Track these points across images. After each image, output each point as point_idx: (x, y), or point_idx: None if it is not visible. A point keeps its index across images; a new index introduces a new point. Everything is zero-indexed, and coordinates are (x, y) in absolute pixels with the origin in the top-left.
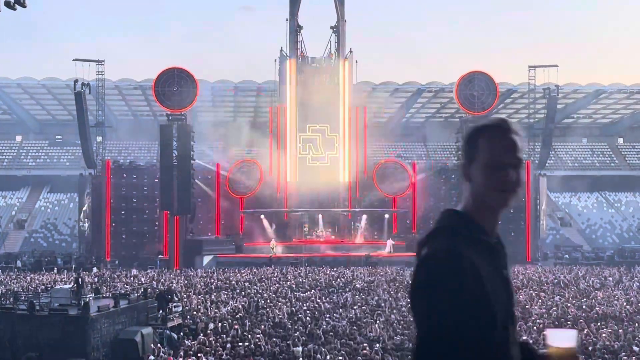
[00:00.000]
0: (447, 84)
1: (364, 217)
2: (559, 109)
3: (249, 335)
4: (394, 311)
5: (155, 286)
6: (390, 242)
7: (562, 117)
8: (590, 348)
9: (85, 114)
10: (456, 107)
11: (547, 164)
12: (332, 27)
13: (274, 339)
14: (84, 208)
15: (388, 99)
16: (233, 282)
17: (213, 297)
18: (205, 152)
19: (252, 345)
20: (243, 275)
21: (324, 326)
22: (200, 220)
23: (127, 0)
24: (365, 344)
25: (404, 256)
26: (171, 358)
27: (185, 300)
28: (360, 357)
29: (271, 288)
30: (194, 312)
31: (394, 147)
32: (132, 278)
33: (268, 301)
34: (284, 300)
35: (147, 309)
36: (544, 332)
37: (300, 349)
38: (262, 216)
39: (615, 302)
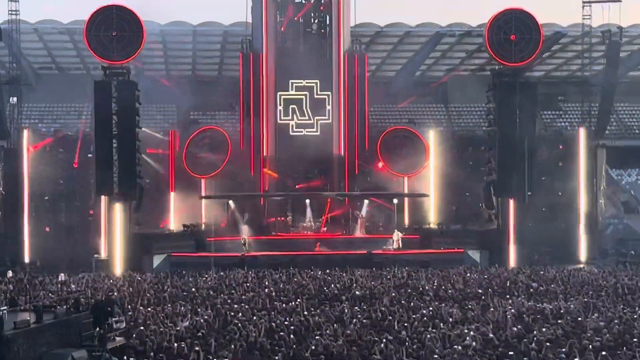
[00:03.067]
0: (475, 26)
1: (366, 203)
2: (623, 59)
3: None
4: (405, 326)
5: (90, 296)
6: (398, 236)
7: (626, 69)
8: None
9: None
10: (487, 57)
11: (606, 132)
12: None
13: None
14: None
15: (397, 47)
16: (193, 289)
17: (167, 309)
18: (155, 118)
19: None
20: (206, 280)
21: (313, 347)
22: (149, 208)
23: None
24: None
25: (417, 253)
26: None
27: (130, 313)
28: None
29: (244, 297)
30: (142, 330)
31: (405, 111)
32: (59, 285)
33: (239, 314)
34: (260, 314)
35: (80, 326)
36: (602, 354)
37: None
38: (231, 202)
39: None
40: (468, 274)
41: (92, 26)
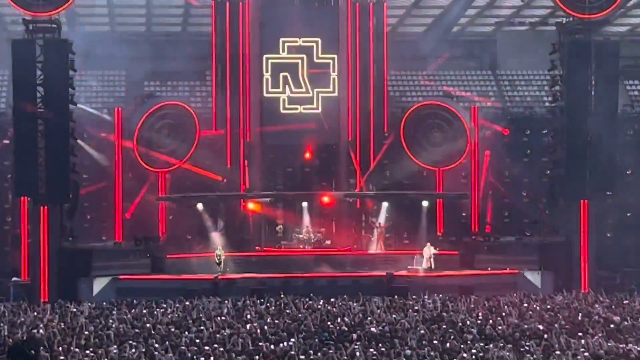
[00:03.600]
0: None
1: (385, 205)
2: None
3: None
4: None
5: (6, 334)
6: (430, 252)
7: None
8: None
9: None
10: (550, 6)
11: None
12: None
13: None
14: None
15: None
16: (148, 325)
17: (112, 352)
18: (95, 90)
19: None
20: (166, 312)
21: None
22: (87, 213)
23: None
24: None
25: (455, 276)
26: None
27: (62, 358)
28: None
29: (217, 336)
30: None
31: (438, 80)
32: None
33: None
34: (240, 359)
35: None
36: None
37: None
38: (200, 205)
39: None
40: (525, 304)
41: None
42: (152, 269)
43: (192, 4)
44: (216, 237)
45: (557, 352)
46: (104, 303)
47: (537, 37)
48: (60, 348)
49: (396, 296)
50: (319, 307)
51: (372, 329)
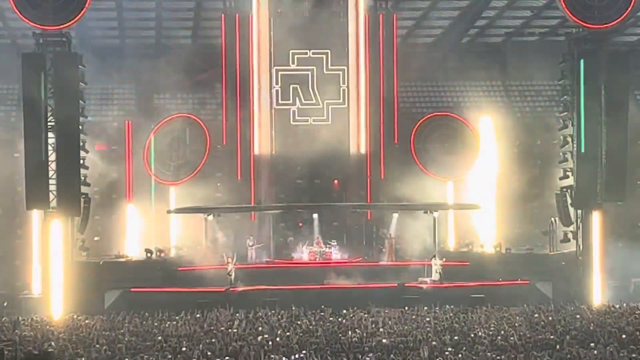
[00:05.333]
0: None
1: (395, 217)
2: None
3: None
4: None
5: (18, 348)
6: (436, 264)
7: None
8: None
9: None
10: (559, 16)
11: None
12: None
13: None
14: None
15: (436, 3)
16: (159, 337)
17: None
18: (106, 104)
19: None
20: (177, 325)
21: None
22: (98, 227)
23: None
24: None
25: (466, 287)
26: None
27: None
28: None
29: (229, 348)
30: None
31: (448, 91)
32: None
33: None
34: None
35: None
36: None
37: None
38: (210, 217)
39: None
40: (536, 315)
41: None
42: (164, 281)
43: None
44: (226, 249)
45: None
46: (116, 316)
47: (547, 47)
48: None
49: (407, 307)
50: (330, 318)
51: (384, 341)
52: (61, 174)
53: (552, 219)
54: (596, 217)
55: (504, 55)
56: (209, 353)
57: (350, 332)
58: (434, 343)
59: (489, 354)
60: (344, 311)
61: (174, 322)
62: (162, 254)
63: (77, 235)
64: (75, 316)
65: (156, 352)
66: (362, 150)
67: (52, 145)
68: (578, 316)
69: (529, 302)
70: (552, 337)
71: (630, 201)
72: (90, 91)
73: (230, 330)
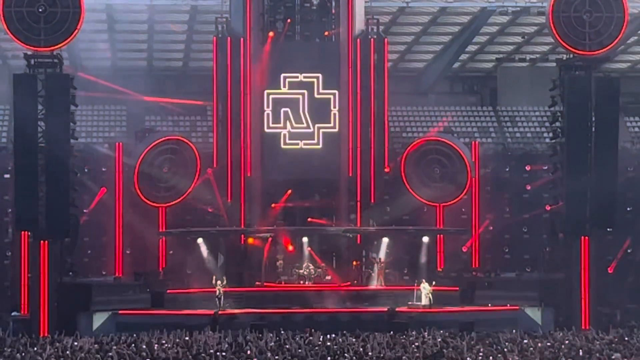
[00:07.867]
0: (535, 0)
1: (385, 241)
2: None
3: None
4: None
5: None
6: (425, 289)
7: None
8: None
9: None
10: (550, 43)
11: None
12: None
13: None
14: None
15: (428, 28)
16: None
17: None
18: (96, 125)
19: None
20: (166, 348)
21: None
22: (87, 248)
23: None
24: None
25: (456, 312)
26: None
27: None
28: None
29: None
30: None
31: (437, 115)
32: None
33: None
34: None
35: None
36: None
37: None
38: (200, 240)
39: None
40: (525, 341)
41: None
42: (152, 303)
43: (195, 37)
44: (215, 272)
45: None
46: (104, 338)
47: (537, 74)
48: None
49: (395, 332)
50: (319, 343)
51: None
52: (51, 196)
53: (542, 245)
54: (585, 244)
55: (494, 80)
56: None
57: (338, 356)
58: None
59: None
60: (333, 335)
61: (162, 345)
62: (151, 277)
63: (65, 256)
64: (63, 337)
65: None
66: (352, 175)
67: (42, 166)
68: (567, 342)
69: (518, 328)
70: None
71: (620, 228)
72: (80, 112)
73: (218, 353)
